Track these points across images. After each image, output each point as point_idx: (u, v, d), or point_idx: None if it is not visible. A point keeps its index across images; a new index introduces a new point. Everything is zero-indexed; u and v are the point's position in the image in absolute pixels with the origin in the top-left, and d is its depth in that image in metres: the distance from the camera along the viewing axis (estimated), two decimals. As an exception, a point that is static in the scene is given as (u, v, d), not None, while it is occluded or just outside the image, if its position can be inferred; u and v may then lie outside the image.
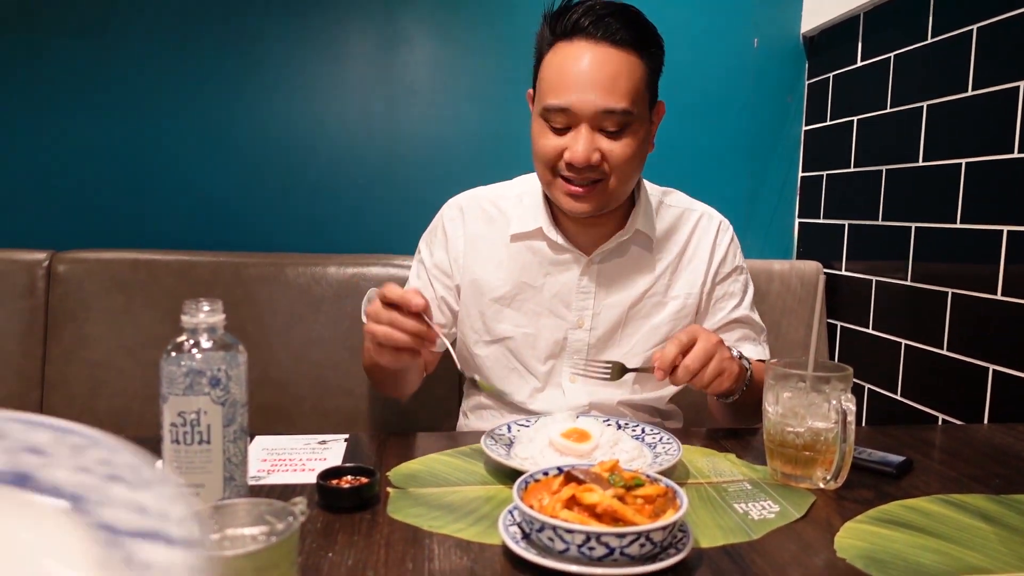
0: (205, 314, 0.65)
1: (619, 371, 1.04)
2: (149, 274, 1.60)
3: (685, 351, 0.95)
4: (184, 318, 0.65)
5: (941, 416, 1.41)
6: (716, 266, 1.23)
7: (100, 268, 1.60)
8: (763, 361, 1.21)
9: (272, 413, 1.58)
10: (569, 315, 1.18)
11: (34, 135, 1.72)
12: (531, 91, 1.16)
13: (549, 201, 1.17)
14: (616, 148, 1.06)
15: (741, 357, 1.04)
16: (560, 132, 1.06)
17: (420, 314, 0.90)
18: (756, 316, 1.26)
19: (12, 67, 1.70)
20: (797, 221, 1.95)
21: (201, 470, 0.64)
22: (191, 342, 0.65)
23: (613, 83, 1.03)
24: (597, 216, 1.13)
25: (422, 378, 1.25)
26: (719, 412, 1.17)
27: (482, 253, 1.21)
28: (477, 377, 1.01)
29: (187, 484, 0.64)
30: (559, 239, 1.17)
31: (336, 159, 1.81)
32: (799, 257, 1.94)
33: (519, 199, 1.22)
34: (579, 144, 1.03)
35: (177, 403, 0.64)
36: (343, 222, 1.83)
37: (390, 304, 0.91)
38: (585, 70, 1.03)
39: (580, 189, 1.07)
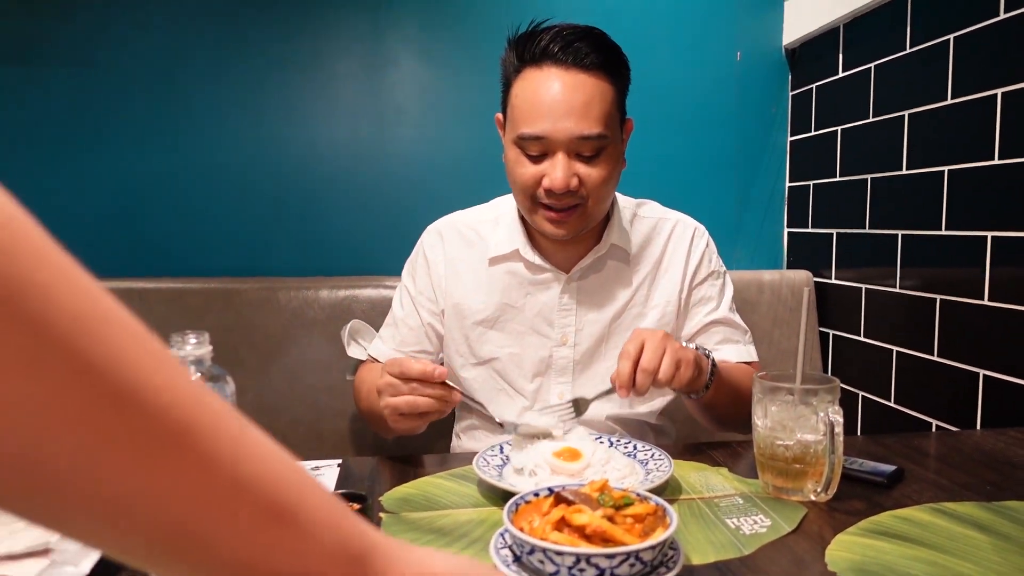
0: (192, 346, 0.66)
1: (581, 405, 1.03)
2: (141, 303, 1.61)
3: (637, 359, 0.94)
4: (171, 351, 0.65)
5: (935, 422, 1.41)
6: (692, 271, 1.24)
7: (92, 298, 1.60)
8: (750, 363, 1.22)
9: (267, 438, 1.58)
10: (552, 333, 1.19)
11: (20, 167, 1.73)
12: (500, 116, 1.17)
13: (525, 222, 1.19)
14: (593, 172, 1.07)
15: (697, 348, 1.03)
16: (536, 159, 1.07)
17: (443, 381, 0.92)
18: (737, 318, 1.27)
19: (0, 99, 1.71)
20: (786, 231, 1.96)
21: (191, 502, 0.64)
22: (178, 375, 0.65)
23: (587, 109, 1.04)
24: (571, 241, 1.15)
25: None
26: (702, 418, 1.17)
27: (463, 277, 1.23)
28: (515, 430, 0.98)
29: (177, 517, 0.64)
30: (537, 259, 1.18)
31: (325, 182, 1.82)
32: (789, 267, 1.95)
33: (496, 222, 1.24)
34: (557, 171, 1.04)
35: (165, 436, 0.64)
36: (334, 245, 1.84)
37: (409, 380, 0.92)
38: (558, 97, 1.04)
39: (560, 215, 1.08)
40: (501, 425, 1.05)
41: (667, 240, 1.24)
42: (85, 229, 1.76)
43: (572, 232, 1.11)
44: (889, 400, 1.53)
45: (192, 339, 0.65)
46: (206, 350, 0.66)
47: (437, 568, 0.39)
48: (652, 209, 1.28)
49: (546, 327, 1.20)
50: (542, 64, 1.05)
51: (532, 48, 1.06)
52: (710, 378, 1.03)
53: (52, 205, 1.74)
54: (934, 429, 1.41)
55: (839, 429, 0.78)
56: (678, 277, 1.23)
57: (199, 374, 0.65)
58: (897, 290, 1.51)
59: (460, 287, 1.22)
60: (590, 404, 1.03)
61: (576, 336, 1.19)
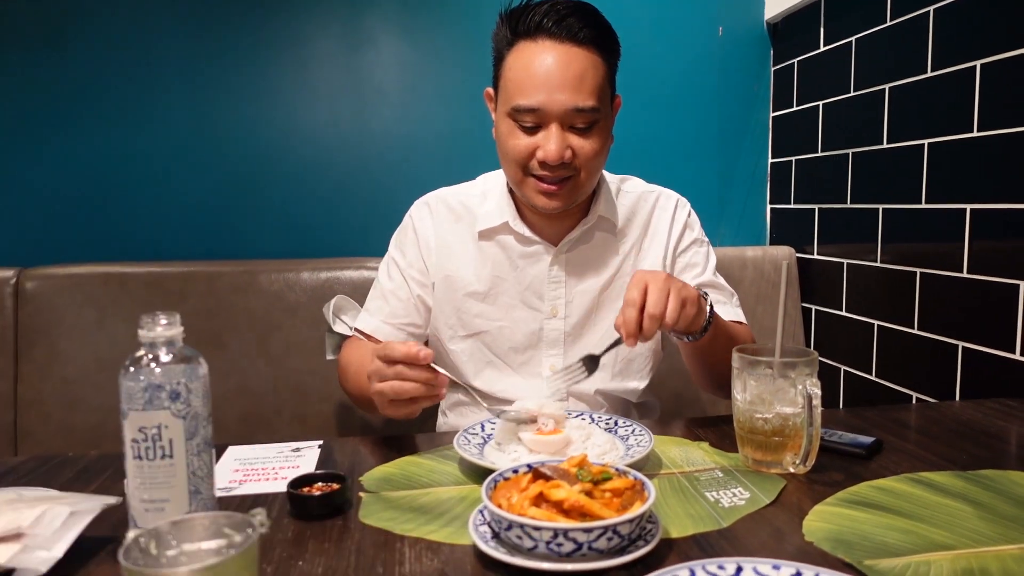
0: (163, 327, 0.65)
1: (591, 362, 1.04)
2: (120, 287, 1.59)
3: (642, 305, 0.92)
4: (141, 332, 0.65)
5: (915, 395, 1.42)
6: (676, 240, 1.25)
7: (70, 283, 1.58)
8: (740, 323, 1.22)
9: (251, 422, 1.58)
10: (543, 306, 1.20)
11: (-4, 151, 1.70)
12: (490, 90, 1.17)
13: (513, 196, 1.19)
14: (586, 145, 1.08)
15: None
16: (529, 131, 1.08)
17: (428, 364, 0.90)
18: (722, 281, 1.27)
19: (-29, 83, 1.68)
20: (769, 207, 1.96)
21: (165, 485, 0.63)
22: (150, 356, 0.64)
23: (580, 82, 1.05)
24: (561, 215, 1.16)
25: None
26: (696, 367, 1.17)
27: (454, 250, 1.23)
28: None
29: (152, 500, 0.63)
30: (526, 231, 1.19)
31: (305, 163, 1.80)
32: (772, 243, 1.95)
33: (483, 196, 1.24)
34: (551, 143, 1.05)
35: (137, 418, 0.63)
36: (315, 226, 1.82)
37: (393, 362, 0.90)
38: (553, 70, 1.04)
39: (553, 187, 1.09)
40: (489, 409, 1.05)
41: (651, 211, 1.25)
42: (63, 214, 1.73)
43: (563, 204, 1.11)
44: (870, 374, 1.54)
45: (163, 320, 0.64)
46: (177, 331, 0.65)
47: None
48: (635, 184, 1.28)
49: (536, 300, 1.20)
50: (536, 37, 1.06)
51: (526, 21, 1.06)
52: (709, 319, 1.01)
53: (29, 189, 1.71)
54: (914, 401, 1.42)
55: (817, 401, 0.79)
56: (663, 246, 1.24)
57: (171, 355, 0.64)
58: (878, 264, 1.51)
59: (451, 260, 1.22)
60: (600, 359, 1.03)
61: (566, 308, 1.20)
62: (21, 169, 1.71)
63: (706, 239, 1.30)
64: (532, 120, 1.07)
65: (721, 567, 0.58)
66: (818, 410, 0.79)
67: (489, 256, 1.21)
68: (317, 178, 1.81)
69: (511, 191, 1.19)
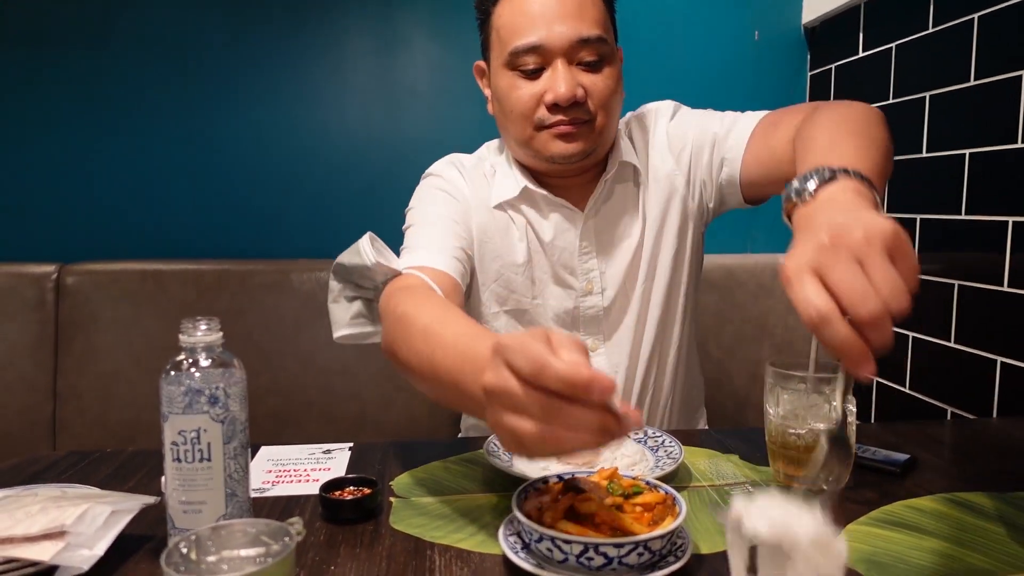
0: (203, 332, 0.66)
1: (843, 449, 0.64)
2: (156, 284, 1.62)
3: (839, 307, 0.53)
4: (182, 337, 0.66)
5: (950, 409, 1.40)
6: (678, 149, 1.12)
7: (108, 279, 1.61)
8: (766, 116, 1.07)
9: (280, 419, 1.60)
10: (576, 282, 1.11)
11: (40, 148, 1.74)
12: (480, 63, 1.10)
13: (521, 167, 1.10)
14: (599, 82, 1.00)
15: (820, 176, 0.66)
16: (533, 76, 1.00)
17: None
18: (728, 113, 1.12)
19: (18, 80, 1.72)
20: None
21: (203, 487, 0.65)
22: (189, 361, 0.65)
23: (581, 10, 0.98)
24: (578, 171, 1.07)
25: None
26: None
27: (493, 215, 1.11)
28: None
29: (189, 501, 0.65)
30: (548, 194, 1.09)
31: (338, 163, 1.82)
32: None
33: (492, 169, 1.14)
34: (559, 81, 0.97)
35: (177, 422, 0.64)
36: (347, 226, 1.82)
37: (542, 387, 0.52)
38: (549, 2, 0.98)
39: (570, 128, 1.00)
40: None
41: (642, 143, 1.14)
42: (103, 211, 1.77)
43: (584, 149, 1.02)
44: (904, 386, 1.52)
45: (203, 325, 0.66)
46: (217, 336, 0.66)
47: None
48: (624, 117, 1.17)
49: (568, 276, 1.11)
50: None
51: None
52: (875, 190, 0.67)
53: (71, 187, 1.75)
54: (949, 416, 1.40)
55: (852, 418, 0.78)
56: (669, 166, 1.12)
57: (210, 360, 0.65)
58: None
59: (491, 224, 1.10)
60: (847, 430, 0.68)
61: (603, 280, 1.11)
62: (64, 168, 1.75)
63: (680, 106, 1.17)
64: (534, 61, 0.98)
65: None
66: (853, 427, 0.78)
67: (519, 226, 1.10)
68: (349, 178, 1.83)
69: (519, 164, 1.10)
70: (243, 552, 0.49)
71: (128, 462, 0.96)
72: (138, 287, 1.61)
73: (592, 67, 1.00)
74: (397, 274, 0.96)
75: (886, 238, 0.55)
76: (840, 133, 0.82)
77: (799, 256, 0.55)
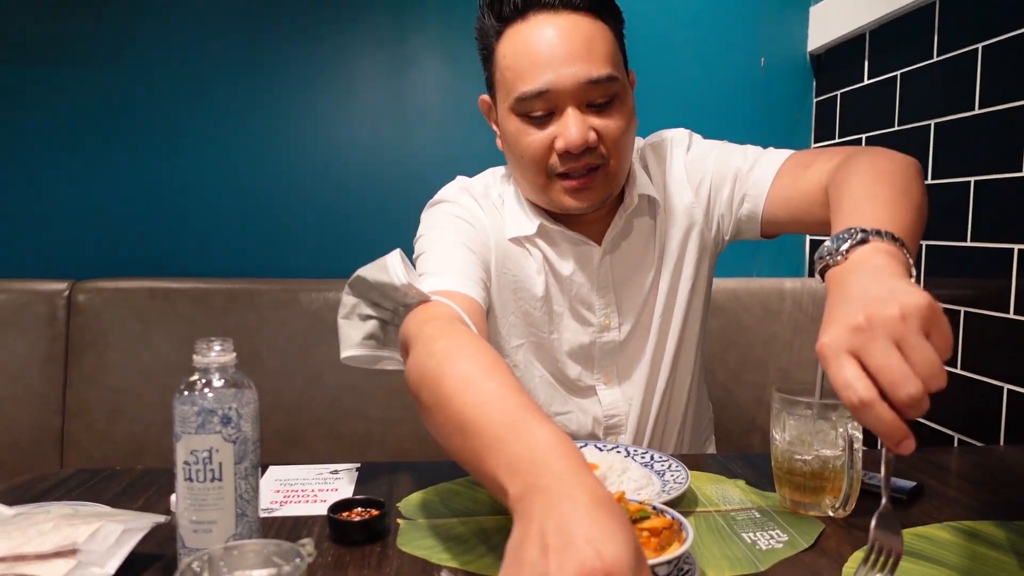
0: (216, 353, 0.67)
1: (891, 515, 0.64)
2: (166, 302, 1.63)
3: (877, 390, 0.55)
4: (196, 358, 0.67)
5: (957, 436, 1.40)
6: (697, 181, 1.10)
7: (119, 296, 1.63)
8: (793, 156, 1.06)
9: (287, 437, 1.60)
10: (593, 318, 1.09)
11: (53, 166, 1.77)
12: (485, 97, 1.07)
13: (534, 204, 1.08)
14: (610, 124, 0.96)
15: (854, 238, 0.68)
16: (541, 123, 0.96)
17: None
18: (750, 148, 1.11)
19: (31, 99, 1.75)
20: (808, 238, 1.95)
21: (214, 507, 0.65)
22: (203, 381, 0.66)
23: (589, 50, 0.92)
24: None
25: None
26: None
27: (503, 247, 1.07)
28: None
29: (200, 521, 0.65)
30: (565, 229, 1.05)
31: (348, 183, 1.84)
32: (811, 275, 1.94)
33: (501, 199, 1.10)
34: (570, 127, 0.93)
35: (190, 441, 0.65)
36: (357, 246, 1.85)
37: None
38: (555, 42, 0.92)
39: (581, 181, 0.97)
40: None
41: (659, 174, 1.12)
42: (115, 229, 1.79)
43: (597, 200, 1.00)
44: (911, 412, 1.52)
45: (216, 346, 0.67)
46: (230, 357, 0.67)
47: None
48: (638, 144, 1.15)
49: (585, 311, 1.08)
50: (527, 15, 0.94)
51: (511, 1, 0.95)
52: (907, 249, 0.69)
53: (83, 205, 1.77)
54: (956, 443, 1.39)
55: (858, 445, 0.78)
56: (688, 199, 1.10)
57: (223, 381, 0.66)
58: (921, 301, 1.49)
59: (508, 254, 1.06)
60: (892, 499, 0.66)
61: (620, 316, 1.09)
62: (76, 186, 1.77)
63: (693, 134, 1.15)
64: (542, 107, 0.94)
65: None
66: (859, 454, 0.78)
67: (536, 259, 1.07)
68: (360, 198, 1.84)
69: (529, 201, 1.07)
70: (254, 573, 0.49)
71: (137, 480, 0.96)
72: (148, 304, 1.63)
73: (603, 108, 0.96)
74: (427, 300, 0.89)
75: (922, 314, 0.56)
76: (875, 187, 0.82)
77: (837, 336, 0.57)
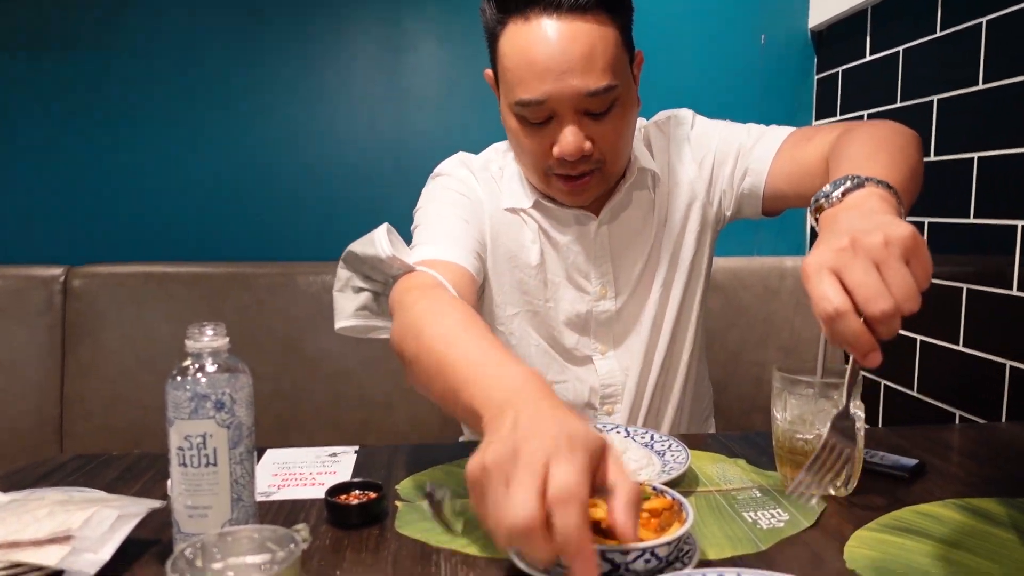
0: (209, 338, 0.66)
1: (845, 425, 0.69)
2: (161, 286, 1.62)
3: (851, 304, 0.58)
4: (188, 343, 0.66)
5: (959, 413, 1.39)
6: (700, 157, 1.11)
7: (114, 281, 1.62)
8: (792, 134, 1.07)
9: (285, 423, 1.60)
10: (590, 286, 1.10)
11: (47, 151, 1.75)
12: (489, 72, 1.05)
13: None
14: (608, 130, 0.96)
15: (848, 185, 0.71)
16: (540, 126, 0.97)
17: None
18: (753, 126, 1.12)
19: (25, 83, 1.73)
20: (809, 216, 1.93)
21: (209, 492, 0.65)
22: (196, 366, 0.65)
23: (589, 61, 0.91)
24: None
25: None
26: None
27: (504, 216, 1.10)
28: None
29: (195, 506, 0.65)
30: (559, 209, 1.08)
31: (345, 165, 1.82)
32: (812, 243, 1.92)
33: (501, 172, 1.12)
34: (567, 138, 0.94)
35: (183, 427, 0.64)
36: (354, 228, 1.81)
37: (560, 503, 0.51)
38: (554, 53, 0.91)
39: (576, 184, 0.99)
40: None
41: (662, 148, 1.12)
42: (108, 213, 1.77)
43: (591, 198, 1.04)
44: (912, 390, 1.51)
45: (209, 331, 0.66)
46: (223, 342, 0.66)
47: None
48: (641, 122, 1.16)
49: (582, 279, 1.10)
50: (528, 14, 0.92)
51: None
52: (900, 199, 0.72)
53: (78, 189, 1.76)
54: (958, 420, 1.39)
55: (860, 424, 0.77)
56: (691, 173, 1.11)
57: (216, 366, 0.65)
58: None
59: (504, 225, 1.09)
60: (850, 407, 0.73)
61: (616, 285, 1.11)
62: (71, 171, 1.76)
63: (697, 114, 1.16)
64: (541, 115, 0.95)
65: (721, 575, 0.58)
66: (861, 432, 0.78)
67: (531, 228, 1.09)
68: (357, 181, 1.83)
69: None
70: (249, 559, 0.49)
71: (134, 465, 0.96)
72: (144, 289, 1.62)
73: (601, 115, 0.95)
74: (411, 270, 0.94)
75: (904, 242, 0.58)
76: (874, 148, 0.85)
77: (820, 255, 0.60)
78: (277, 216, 1.82)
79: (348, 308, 0.96)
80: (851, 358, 0.62)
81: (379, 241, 0.92)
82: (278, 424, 1.59)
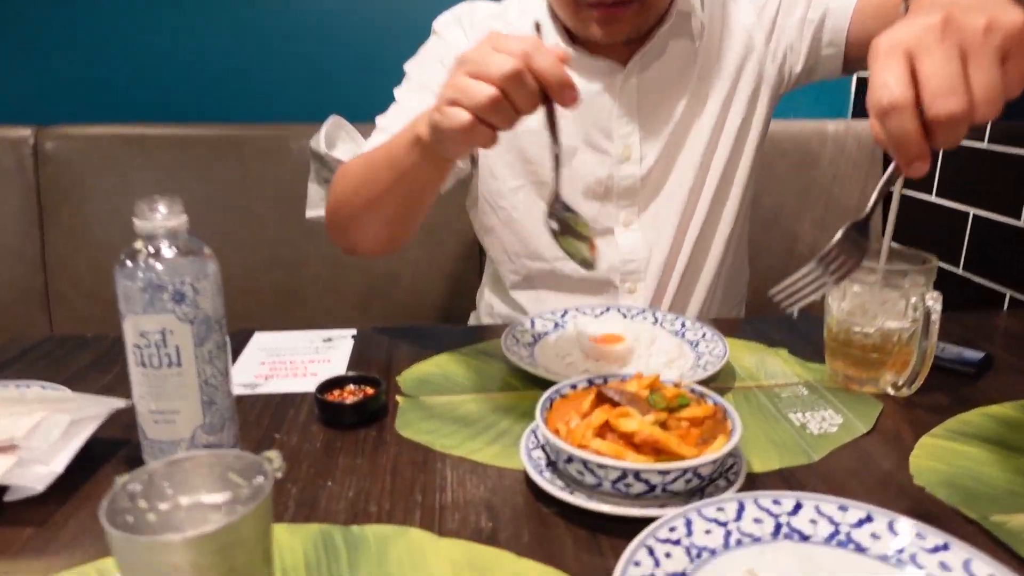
0: (163, 216, 0.54)
1: (859, 234, 0.54)
2: (142, 150, 1.49)
3: (915, 97, 0.45)
4: (137, 222, 0.54)
5: (1009, 292, 1.28)
6: (761, 2, 0.98)
7: (90, 145, 1.48)
8: None
9: (283, 294, 1.51)
10: (612, 147, 0.98)
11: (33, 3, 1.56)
12: None
13: (560, 20, 0.97)
14: None
15: None
16: None
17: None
18: None
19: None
20: (855, 76, 1.74)
21: (175, 395, 0.55)
22: (149, 250, 0.54)
23: None
24: None
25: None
26: None
27: None
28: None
29: (161, 411, 0.55)
30: (581, 58, 0.95)
31: (336, 19, 1.63)
32: (855, 116, 1.75)
33: (521, 16, 1.01)
34: None
35: (138, 322, 0.54)
36: (348, 84, 1.67)
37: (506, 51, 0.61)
38: None
39: (610, 11, 0.88)
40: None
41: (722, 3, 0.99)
42: (81, 68, 1.60)
43: (629, 33, 0.91)
44: (958, 267, 1.39)
45: (162, 207, 0.54)
46: (179, 221, 0.54)
47: None
48: None
49: (603, 139, 0.98)
50: None
51: None
52: None
53: (43, 43, 1.58)
54: (1007, 299, 1.28)
55: (936, 317, 0.66)
56: (748, 20, 0.98)
57: (174, 250, 0.54)
58: (983, 145, 1.32)
59: None
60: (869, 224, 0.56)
61: (642, 147, 0.98)
62: (38, 21, 1.57)
63: None
64: None
65: (777, 502, 0.50)
66: (936, 327, 0.66)
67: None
68: (352, 31, 1.64)
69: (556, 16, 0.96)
70: (206, 498, 0.39)
71: (111, 350, 0.87)
72: (122, 153, 1.48)
73: None
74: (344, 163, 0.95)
75: (1010, 32, 0.46)
76: None
77: (899, 31, 0.47)
78: (266, 72, 1.64)
79: (316, 198, 1.02)
80: (892, 165, 0.50)
81: (316, 138, 0.99)
82: (275, 295, 1.50)
